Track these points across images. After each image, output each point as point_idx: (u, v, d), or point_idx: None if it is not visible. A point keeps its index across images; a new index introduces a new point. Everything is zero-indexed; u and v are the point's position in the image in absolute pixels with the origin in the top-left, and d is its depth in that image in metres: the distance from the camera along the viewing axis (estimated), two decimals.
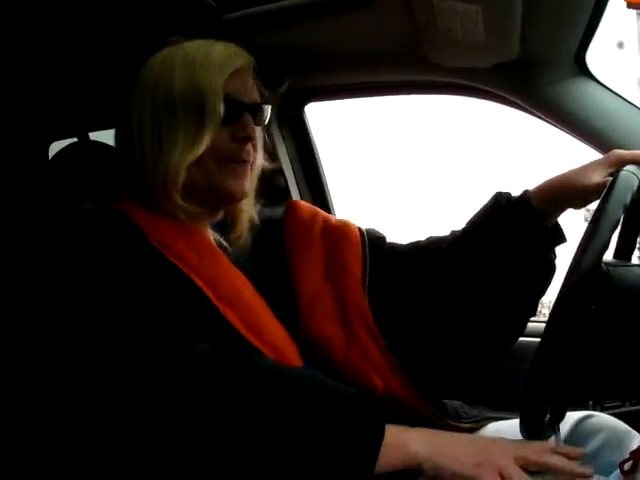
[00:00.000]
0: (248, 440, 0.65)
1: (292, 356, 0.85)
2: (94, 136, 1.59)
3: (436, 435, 0.71)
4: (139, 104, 0.89)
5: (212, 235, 0.92)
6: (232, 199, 0.91)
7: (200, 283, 0.82)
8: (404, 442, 0.67)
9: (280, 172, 1.60)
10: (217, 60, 0.87)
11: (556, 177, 0.93)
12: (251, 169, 0.91)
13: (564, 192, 0.91)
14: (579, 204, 0.92)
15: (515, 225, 0.93)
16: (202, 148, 0.84)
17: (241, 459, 0.66)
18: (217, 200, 0.91)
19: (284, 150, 1.63)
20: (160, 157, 0.86)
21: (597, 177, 0.87)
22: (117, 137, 0.94)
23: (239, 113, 0.88)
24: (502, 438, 0.74)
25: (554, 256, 0.96)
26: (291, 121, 1.63)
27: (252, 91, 0.91)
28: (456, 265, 0.97)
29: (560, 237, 0.95)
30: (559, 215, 0.95)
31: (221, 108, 0.85)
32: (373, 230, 1.05)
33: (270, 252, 0.99)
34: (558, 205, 0.93)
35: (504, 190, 0.98)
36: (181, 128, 0.85)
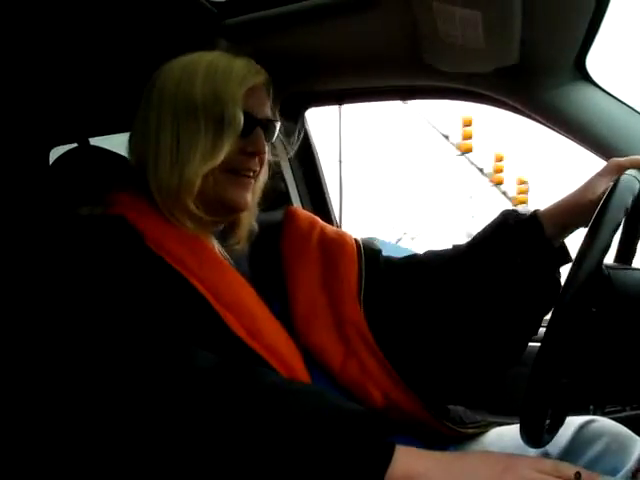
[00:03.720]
0: (248, 455, 0.63)
1: (295, 362, 0.85)
2: (94, 141, 1.59)
3: (448, 465, 0.64)
4: (159, 107, 0.89)
5: (213, 242, 0.92)
6: (234, 210, 0.92)
7: (201, 287, 0.81)
8: (413, 477, 0.62)
9: (280, 176, 1.60)
10: (238, 73, 0.88)
11: (562, 200, 0.92)
12: (255, 182, 0.92)
13: (573, 214, 0.91)
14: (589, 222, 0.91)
15: (523, 245, 0.92)
16: (220, 159, 0.85)
17: (242, 474, 0.64)
18: (221, 210, 0.91)
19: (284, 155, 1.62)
20: (177, 163, 0.86)
21: (601, 190, 0.86)
22: (132, 139, 0.93)
23: (252, 127, 0.89)
24: (521, 456, 0.68)
25: (559, 275, 0.95)
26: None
27: (266, 107, 0.93)
28: (458, 280, 0.96)
29: (566, 257, 0.94)
30: (568, 236, 0.94)
31: (241, 120, 0.86)
32: (369, 241, 1.05)
33: (267, 259, 1.00)
34: (568, 227, 0.93)
35: (511, 208, 0.98)
36: (201, 136, 0.86)
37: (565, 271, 0.93)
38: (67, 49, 1.30)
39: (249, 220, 0.97)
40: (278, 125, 0.95)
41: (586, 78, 1.22)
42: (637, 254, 0.89)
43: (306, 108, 1.61)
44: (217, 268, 0.87)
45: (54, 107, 1.58)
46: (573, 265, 0.70)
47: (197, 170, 0.85)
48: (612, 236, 0.70)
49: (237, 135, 0.86)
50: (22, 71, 1.38)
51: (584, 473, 0.64)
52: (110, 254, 0.80)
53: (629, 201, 0.74)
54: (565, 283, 0.70)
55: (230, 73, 0.88)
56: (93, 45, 1.28)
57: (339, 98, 1.58)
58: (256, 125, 0.89)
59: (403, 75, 1.36)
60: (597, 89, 1.22)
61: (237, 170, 0.89)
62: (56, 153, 1.62)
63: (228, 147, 0.86)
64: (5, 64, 1.33)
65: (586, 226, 0.90)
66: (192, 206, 0.86)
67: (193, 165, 0.85)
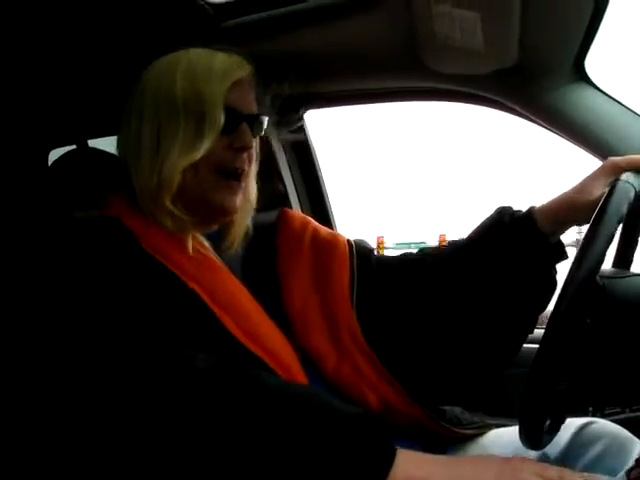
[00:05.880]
0: (247, 458, 0.63)
1: (292, 364, 0.85)
2: (93, 143, 1.59)
3: (450, 470, 0.64)
4: (140, 109, 0.89)
5: (206, 244, 0.91)
6: (223, 214, 0.91)
7: (197, 289, 0.81)
8: None
9: (279, 179, 1.60)
10: (218, 71, 0.87)
11: (558, 197, 0.92)
12: (245, 181, 0.92)
13: (568, 212, 0.90)
14: (584, 220, 0.90)
15: (518, 243, 0.92)
16: (199, 154, 0.85)
17: (241, 476, 0.64)
18: (209, 212, 0.91)
19: (283, 157, 1.63)
20: (157, 160, 0.86)
21: (598, 191, 0.86)
22: (118, 142, 0.94)
23: (237, 123, 0.89)
24: (524, 461, 0.67)
25: (555, 272, 0.95)
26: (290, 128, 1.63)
27: (251, 102, 0.92)
28: (454, 278, 0.96)
29: (562, 254, 0.94)
30: (563, 233, 0.94)
31: (222, 119, 0.86)
32: (362, 242, 1.05)
33: (261, 260, 0.99)
34: (562, 224, 0.92)
35: (506, 205, 0.97)
36: (180, 133, 0.86)
37: (562, 269, 0.94)
38: (65, 51, 1.30)
39: (244, 223, 0.97)
40: (266, 120, 0.94)
41: (585, 80, 1.22)
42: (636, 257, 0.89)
43: (304, 110, 1.61)
44: (213, 270, 0.87)
45: (53, 109, 1.58)
46: (566, 277, 0.69)
47: (176, 165, 0.85)
48: (605, 249, 0.69)
49: (218, 133, 0.86)
50: (21, 73, 1.38)
51: None
52: (106, 256, 0.79)
53: (624, 211, 0.74)
54: (559, 295, 0.69)
55: (211, 70, 0.87)
56: (91, 47, 1.28)
57: (338, 100, 1.58)
58: (241, 121, 0.89)
59: (402, 77, 1.36)
60: (596, 91, 1.22)
61: (226, 169, 0.88)
62: (55, 155, 1.62)
63: (208, 142, 0.85)
64: (4, 66, 1.33)
65: (580, 225, 0.91)
66: (169, 204, 0.86)
67: (171, 160, 0.85)
